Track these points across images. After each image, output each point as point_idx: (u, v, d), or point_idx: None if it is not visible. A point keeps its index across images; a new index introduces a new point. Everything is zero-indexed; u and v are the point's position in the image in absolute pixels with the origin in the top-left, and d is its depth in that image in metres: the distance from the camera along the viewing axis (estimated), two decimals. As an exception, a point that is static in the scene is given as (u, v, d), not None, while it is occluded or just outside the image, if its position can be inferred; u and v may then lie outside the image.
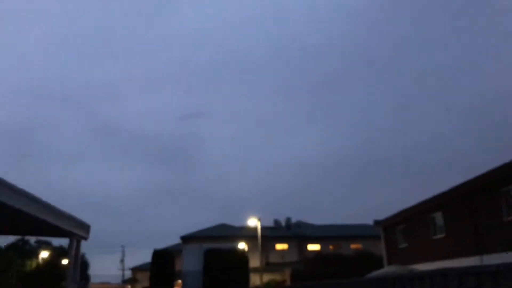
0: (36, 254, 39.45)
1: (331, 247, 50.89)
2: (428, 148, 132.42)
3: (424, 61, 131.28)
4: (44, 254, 39.71)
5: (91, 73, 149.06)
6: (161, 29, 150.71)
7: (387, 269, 22.29)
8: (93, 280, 54.78)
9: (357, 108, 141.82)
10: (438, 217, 21.73)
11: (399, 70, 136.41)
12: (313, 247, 52.11)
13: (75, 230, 7.29)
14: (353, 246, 49.18)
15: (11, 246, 40.11)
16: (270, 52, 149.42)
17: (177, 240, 50.60)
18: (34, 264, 36.20)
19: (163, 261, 21.34)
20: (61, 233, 7.34)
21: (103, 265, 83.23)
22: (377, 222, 29.85)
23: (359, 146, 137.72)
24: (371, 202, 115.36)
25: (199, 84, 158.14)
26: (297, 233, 55.08)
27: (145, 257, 53.50)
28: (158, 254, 21.92)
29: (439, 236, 21.60)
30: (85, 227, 7.96)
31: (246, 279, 21.65)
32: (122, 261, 64.91)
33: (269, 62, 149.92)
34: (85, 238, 8.07)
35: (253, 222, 37.05)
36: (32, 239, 42.91)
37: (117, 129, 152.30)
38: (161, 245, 43.71)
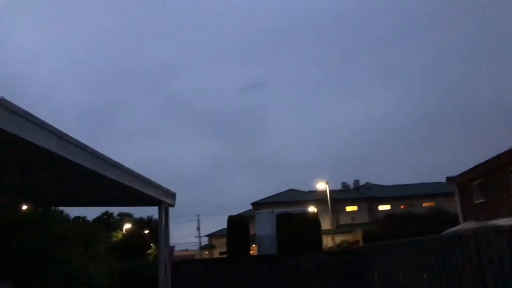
0: (120, 226, 42.17)
1: (402, 206, 50.17)
2: (502, 103, 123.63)
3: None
4: (127, 226, 42.50)
5: (154, 52, 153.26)
6: (215, 2, 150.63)
7: (464, 226, 21.70)
8: (173, 248, 58.15)
9: (424, 64, 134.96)
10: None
11: (467, 24, 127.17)
12: (384, 207, 51.70)
13: (163, 198, 7.95)
14: (426, 204, 48.16)
15: (97, 220, 42.83)
16: (325, 15, 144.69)
17: (248, 207, 52.30)
18: (119, 235, 38.85)
19: (238, 227, 21.74)
20: (151, 201, 8.02)
21: (181, 234, 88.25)
22: (450, 179, 28.92)
23: (426, 103, 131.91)
24: (441, 159, 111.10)
25: (257, 55, 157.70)
26: (366, 194, 54.79)
27: (220, 225, 56.05)
28: (232, 221, 22.43)
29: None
30: (172, 195, 8.65)
31: (319, 241, 21.94)
32: (198, 229, 68.25)
33: (326, 26, 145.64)
34: (172, 205, 8.76)
35: (321, 185, 37.35)
36: (115, 212, 45.86)
37: (185, 105, 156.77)
38: (233, 212, 45.28)
